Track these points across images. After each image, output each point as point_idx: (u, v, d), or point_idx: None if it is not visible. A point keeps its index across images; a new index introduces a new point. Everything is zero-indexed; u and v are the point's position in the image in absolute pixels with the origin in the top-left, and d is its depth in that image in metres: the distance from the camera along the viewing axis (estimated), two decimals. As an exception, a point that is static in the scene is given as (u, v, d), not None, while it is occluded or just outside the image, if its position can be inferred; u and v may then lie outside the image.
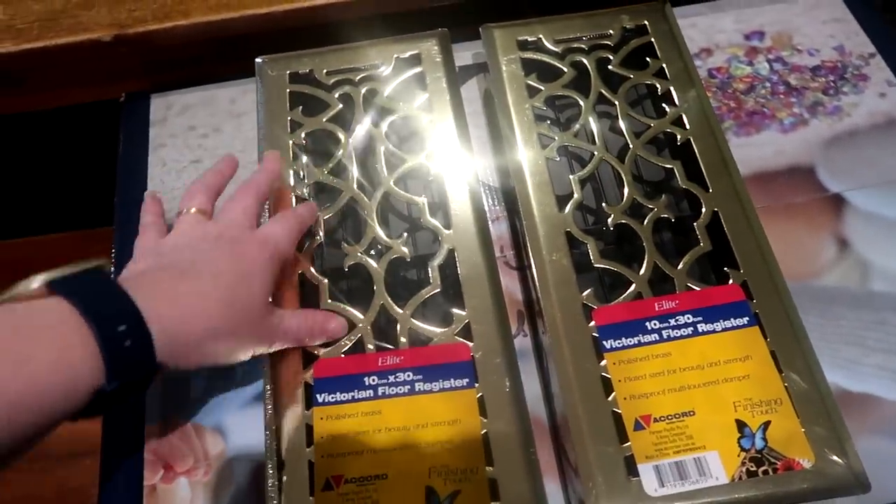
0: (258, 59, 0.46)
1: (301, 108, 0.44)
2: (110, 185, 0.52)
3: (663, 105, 0.44)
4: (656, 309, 0.37)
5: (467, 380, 0.35)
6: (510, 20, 0.47)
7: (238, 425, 0.41)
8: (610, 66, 0.46)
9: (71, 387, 0.26)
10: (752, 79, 0.52)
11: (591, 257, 0.39)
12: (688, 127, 0.43)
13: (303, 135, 0.43)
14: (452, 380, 0.35)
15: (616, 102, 0.44)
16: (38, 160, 0.84)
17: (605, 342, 0.36)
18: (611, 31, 0.47)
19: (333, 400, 0.35)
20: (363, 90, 0.45)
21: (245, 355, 0.34)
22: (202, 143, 0.52)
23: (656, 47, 0.46)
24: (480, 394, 0.35)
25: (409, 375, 0.35)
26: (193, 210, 0.37)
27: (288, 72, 0.46)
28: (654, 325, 0.36)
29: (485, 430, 0.34)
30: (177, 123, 0.53)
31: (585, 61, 0.46)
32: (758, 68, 0.53)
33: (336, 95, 0.45)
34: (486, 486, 0.33)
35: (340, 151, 0.43)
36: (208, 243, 0.35)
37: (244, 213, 0.37)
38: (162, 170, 0.51)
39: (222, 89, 0.54)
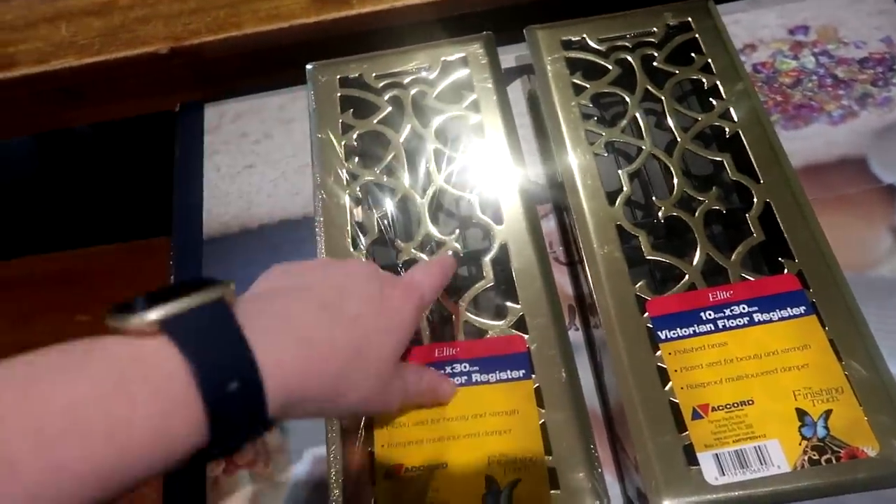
0: (309, 66, 0.47)
1: (352, 111, 0.46)
2: (166, 196, 0.54)
3: (710, 100, 0.44)
4: (710, 299, 0.37)
5: (523, 371, 0.36)
6: (551, 22, 0.48)
7: (296, 420, 0.42)
8: (655, 63, 0.46)
9: (170, 451, 0.23)
10: (798, 73, 0.52)
11: (643, 250, 0.39)
12: (736, 120, 0.43)
13: (354, 136, 0.45)
14: (509, 371, 0.36)
15: (662, 98, 0.44)
16: (94, 171, 0.88)
17: (659, 333, 0.36)
18: (654, 29, 0.47)
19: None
20: (412, 92, 0.46)
21: (359, 413, 0.33)
22: (254, 148, 0.53)
23: (701, 43, 0.46)
24: (537, 384, 0.35)
25: (465, 367, 0.36)
26: None
27: (338, 77, 0.47)
28: (709, 315, 0.36)
29: (542, 420, 0.34)
30: (230, 130, 0.54)
31: (630, 59, 0.46)
32: (803, 62, 0.53)
33: (385, 98, 0.46)
34: (546, 475, 0.33)
35: (392, 152, 0.44)
36: (362, 276, 0.31)
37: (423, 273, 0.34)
38: (217, 175, 0.52)
39: (272, 97, 0.56)
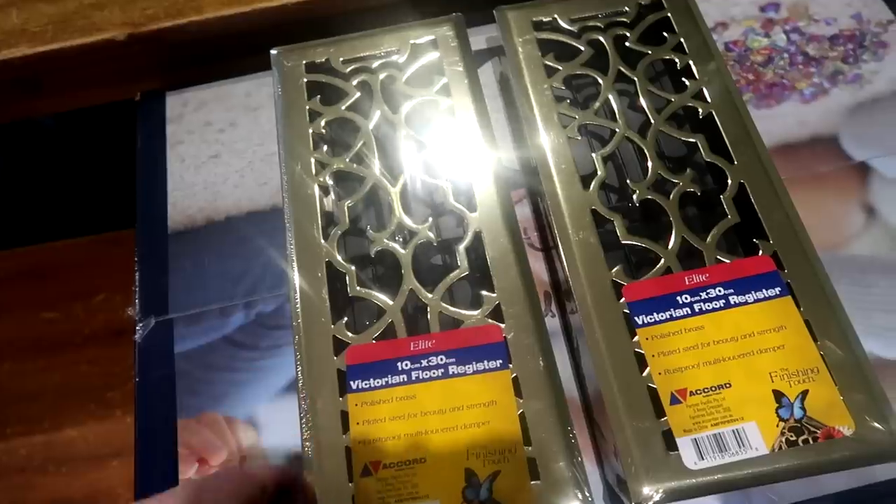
0: (273, 51, 0.46)
1: (319, 97, 0.44)
2: (130, 187, 0.52)
3: (683, 80, 0.44)
4: (686, 283, 0.37)
5: (501, 361, 0.35)
6: (523, 1, 0.47)
7: (271, 416, 0.41)
8: (627, 43, 0.45)
9: None
10: (769, 51, 0.52)
11: (619, 234, 0.38)
12: (709, 100, 0.42)
13: (322, 123, 0.43)
14: (486, 361, 0.35)
15: (635, 79, 0.44)
16: (55, 164, 0.85)
17: (636, 318, 0.36)
18: (626, 8, 0.46)
19: (367, 386, 0.35)
20: (381, 77, 0.45)
21: None
22: (219, 137, 0.52)
23: (673, 22, 0.46)
24: (515, 374, 0.35)
25: (441, 359, 0.35)
26: None
27: (304, 62, 0.45)
28: (686, 298, 0.36)
29: (521, 411, 0.34)
30: (193, 119, 0.53)
31: (602, 39, 0.45)
32: (775, 40, 0.52)
33: (353, 83, 0.45)
34: (525, 466, 0.33)
35: (361, 139, 0.43)
36: None
37: None
38: (181, 166, 0.51)
39: (237, 84, 0.54)
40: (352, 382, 0.35)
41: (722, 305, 0.36)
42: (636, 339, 0.35)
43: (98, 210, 0.80)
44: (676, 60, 0.44)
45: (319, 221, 0.40)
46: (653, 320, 0.36)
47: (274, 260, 0.46)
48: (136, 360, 0.43)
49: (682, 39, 0.45)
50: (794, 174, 0.46)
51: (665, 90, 0.44)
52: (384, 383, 0.35)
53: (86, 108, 0.59)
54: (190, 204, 0.49)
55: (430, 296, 0.37)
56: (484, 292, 0.37)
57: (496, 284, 0.37)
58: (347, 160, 0.42)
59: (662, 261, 0.37)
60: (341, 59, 0.45)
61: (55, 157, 0.86)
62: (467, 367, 0.35)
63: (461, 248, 0.39)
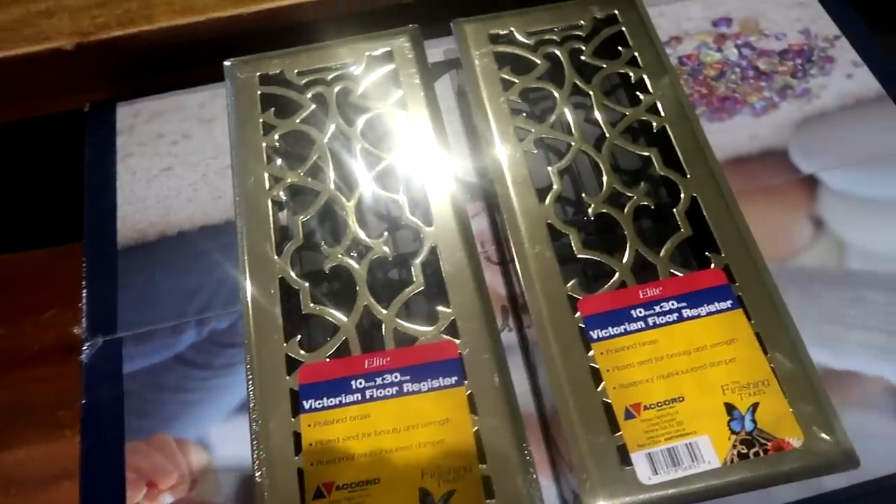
0: (226, 62, 0.45)
1: (273, 109, 0.44)
2: (78, 200, 0.50)
3: (637, 93, 0.44)
4: (641, 297, 0.37)
5: (456, 378, 0.35)
6: (480, 14, 0.47)
7: (223, 437, 0.40)
8: (582, 57, 0.46)
9: None
10: (722, 65, 0.53)
11: (574, 248, 0.39)
12: (663, 114, 0.43)
13: (276, 136, 0.43)
14: (441, 378, 0.35)
15: (590, 92, 0.44)
16: (8, 174, 0.82)
17: (591, 332, 0.36)
18: (582, 22, 0.47)
19: (320, 406, 0.34)
20: (336, 89, 0.44)
21: None
22: (172, 150, 0.50)
23: (627, 36, 0.46)
24: (470, 391, 0.35)
25: (396, 377, 0.35)
26: None
27: (258, 73, 0.45)
28: (640, 312, 0.36)
29: (476, 428, 0.34)
30: (145, 131, 0.51)
31: (558, 52, 0.46)
32: (727, 54, 0.53)
33: (308, 95, 0.44)
34: (480, 485, 0.32)
35: (316, 153, 0.42)
36: None
37: None
38: (132, 179, 0.49)
39: (191, 95, 0.53)
40: (305, 402, 0.34)
41: (675, 319, 0.36)
42: (591, 353, 0.35)
43: (49, 223, 0.77)
44: (631, 74, 0.45)
45: (273, 237, 0.39)
46: (608, 334, 0.36)
47: (229, 275, 0.45)
48: (83, 381, 0.42)
49: (636, 53, 0.45)
50: (745, 187, 0.47)
51: (620, 104, 0.45)
52: (338, 402, 0.34)
53: (33, 119, 0.58)
54: (141, 218, 0.48)
55: (385, 312, 0.37)
56: (440, 308, 0.37)
57: (452, 300, 0.37)
58: (302, 174, 0.42)
59: (617, 274, 0.38)
60: (296, 70, 0.45)
61: (2, 169, 0.83)
62: (422, 384, 0.35)
63: (417, 262, 0.38)
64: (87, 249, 0.47)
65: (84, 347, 0.43)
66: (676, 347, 0.35)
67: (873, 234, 0.45)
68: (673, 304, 0.36)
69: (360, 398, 0.34)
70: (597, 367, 0.35)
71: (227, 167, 0.49)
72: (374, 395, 0.35)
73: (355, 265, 0.38)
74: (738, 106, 0.51)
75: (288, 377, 0.35)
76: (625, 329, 0.36)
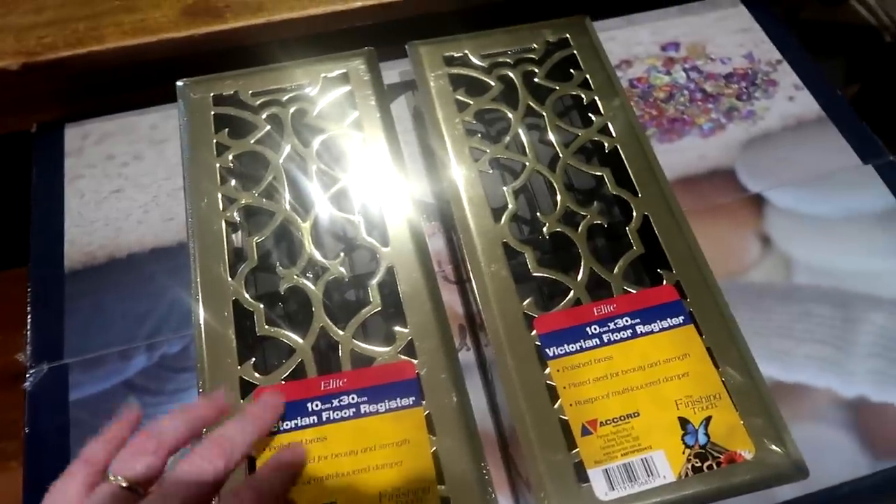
0: (179, 82, 0.45)
1: (227, 130, 0.43)
2: (24, 224, 0.49)
3: (589, 115, 0.45)
4: (595, 314, 0.37)
5: (413, 398, 0.35)
6: (435, 37, 0.48)
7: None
8: (536, 79, 0.47)
9: None
10: (670, 87, 0.54)
11: (529, 267, 0.39)
12: (614, 135, 0.44)
13: (230, 157, 0.42)
14: (398, 399, 0.35)
15: (544, 114, 0.45)
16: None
17: (547, 350, 0.36)
18: (535, 45, 0.48)
19: (276, 430, 0.34)
20: (291, 110, 0.44)
21: None
22: (122, 171, 0.49)
23: (579, 59, 0.47)
24: (427, 411, 0.34)
25: (353, 398, 0.35)
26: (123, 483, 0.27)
27: (212, 94, 0.44)
28: (595, 329, 0.37)
29: (434, 448, 0.33)
30: (94, 153, 0.50)
31: (512, 75, 0.46)
32: (675, 77, 0.55)
33: (263, 116, 0.44)
34: (439, 505, 0.32)
35: (271, 174, 0.42)
36: None
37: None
38: (80, 202, 0.48)
39: (142, 116, 0.52)
40: (259, 426, 0.34)
41: (629, 335, 0.37)
42: (548, 370, 0.36)
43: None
44: (583, 96, 0.46)
45: (227, 258, 0.39)
46: (563, 352, 0.36)
47: (180, 298, 0.44)
48: (27, 409, 0.40)
49: (587, 76, 0.46)
50: (694, 206, 0.48)
51: (573, 125, 0.46)
52: (293, 426, 0.34)
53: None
54: (89, 241, 0.47)
55: (341, 333, 0.37)
56: (397, 328, 0.37)
57: (409, 320, 0.37)
58: (256, 195, 0.41)
59: (572, 292, 0.38)
60: (250, 91, 0.45)
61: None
62: (379, 405, 0.34)
63: (373, 283, 0.38)
64: (33, 273, 0.45)
65: (28, 375, 0.42)
66: (631, 363, 0.36)
67: (817, 250, 0.47)
68: (627, 321, 0.37)
69: (316, 420, 0.34)
70: (553, 384, 0.35)
71: (179, 189, 0.49)
72: (331, 417, 0.34)
73: (311, 286, 0.38)
74: (687, 127, 0.52)
75: (242, 401, 0.35)
76: (580, 346, 0.36)
